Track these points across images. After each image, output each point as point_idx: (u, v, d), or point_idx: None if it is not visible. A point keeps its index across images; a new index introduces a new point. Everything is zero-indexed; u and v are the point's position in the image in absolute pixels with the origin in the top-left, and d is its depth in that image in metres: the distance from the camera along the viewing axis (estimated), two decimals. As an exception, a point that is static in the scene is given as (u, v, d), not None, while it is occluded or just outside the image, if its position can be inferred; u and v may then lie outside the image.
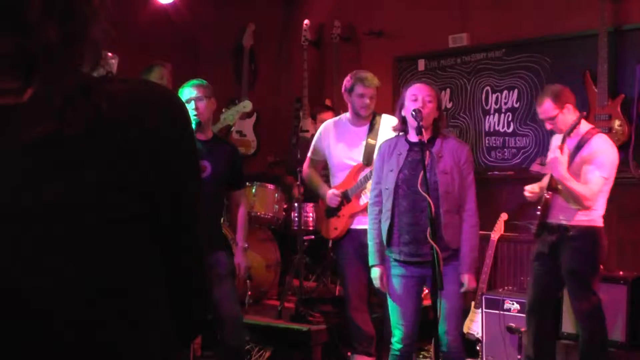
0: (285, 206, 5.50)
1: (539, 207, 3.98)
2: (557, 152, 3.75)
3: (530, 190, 4.02)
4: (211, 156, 3.72)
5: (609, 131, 4.73)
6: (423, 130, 3.38)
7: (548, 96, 3.89)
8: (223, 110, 4.41)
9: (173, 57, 5.01)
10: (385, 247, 3.58)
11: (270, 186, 5.42)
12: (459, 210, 3.48)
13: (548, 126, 3.97)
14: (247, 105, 4.30)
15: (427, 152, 3.41)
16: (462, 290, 3.46)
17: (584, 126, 3.89)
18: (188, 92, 3.76)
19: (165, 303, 1.00)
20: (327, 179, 4.56)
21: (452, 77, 5.82)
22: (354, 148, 4.28)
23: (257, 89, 6.83)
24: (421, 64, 6.02)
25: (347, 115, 4.40)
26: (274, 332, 4.67)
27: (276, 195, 5.41)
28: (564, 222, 3.86)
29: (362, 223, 4.23)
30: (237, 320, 3.86)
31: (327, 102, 6.35)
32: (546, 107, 3.89)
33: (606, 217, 4.84)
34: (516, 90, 5.44)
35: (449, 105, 5.83)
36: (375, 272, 3.64)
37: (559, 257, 3.87)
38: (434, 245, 3.16)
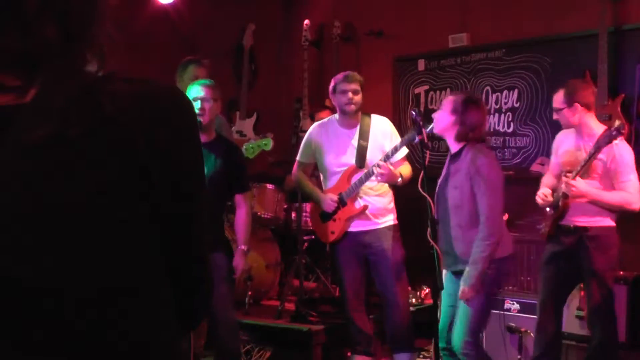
0: (285, 206, 5.50)
1: (548, 208, 3.99)
2: (572, 182, 3.76)
3: (544, 195, 4.00)
4: (210, 158, 3.71)
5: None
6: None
7: (564, 89, 3.96)
8: (245, 145, 4.46)
9: (173, 57, 5.00)
10: None
11: (270, 186, 5.41)
12: (473, 225, 3.48)
13: (555, 116, 4.00)
14: (268, 143, 4.38)
15: (428, 153, 3.43)
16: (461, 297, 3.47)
17: (598, 127, 3.87)
18: (196, 91, 3.74)
19: (167, 299, 1.01)
20: (317, 182, 4.55)
21: (452, 77, 5.82)
22: (344, 151, 4.24)
23: (257, 89, 6.83)
24: (421, 64, 6.03)
25: (335, 116, 4.37)
26: (274, 332, 4.67)
27: (276, 195, 5.40)
28: (582, 224, 3.86)
29: (359, 226, 4.23)
30: (232, 324, 3.84)
31: (327, 103, 6.35)
32: (557, 98, 3.96)
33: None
34: (516, 90, 5.44)
35: (449, 105, 5.83)
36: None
37: (578, 258, 3.89)
38: (434, 245, 3.16)
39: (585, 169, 3.77)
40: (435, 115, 3.73)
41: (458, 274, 3.53)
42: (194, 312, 1.10)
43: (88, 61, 0.94)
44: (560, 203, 3.89)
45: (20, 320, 0.86)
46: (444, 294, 3.58)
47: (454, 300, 3.59)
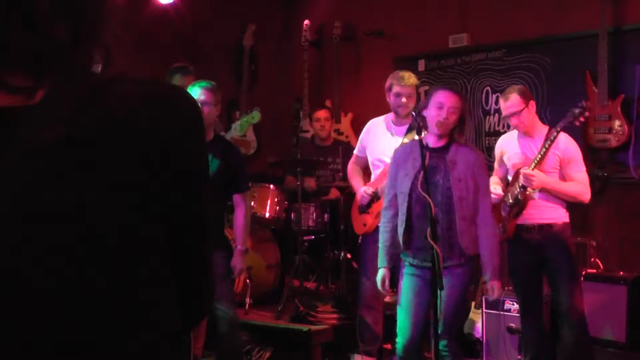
0: (285, 206, 5.50)
1: (506, 208, 4.02)
2: (531, 173, 3.82)
3: (495, 192, 4.00)
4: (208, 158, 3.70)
5: (609, 131, 4.75)
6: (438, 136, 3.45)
7: (515, 92, 3.99)
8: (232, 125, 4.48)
9: (173, 57, 5.00)
10: (398, 250, 3.55)
11: (270, 186, 5.41)
12: (474, 218, 3.45)
13: (513, 122, 4.01)
14: (255, 116, 4.40)
15: (427, 153, 3.41)
16: (491, 298, 3.43)
17: (542, 127, 4.01)
18: (196, 94, 3.74)
19: (169, 297, 1.01)
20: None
21: (452, 77, 5.82)
22: (388, 147, 4.27)
23: (257, 89, 6.83)
24: (421, 64, 6.02)
25: (392, 114, 4.42)
26: (274, 332, 4.67)
27: (276, 195, 5.40)
28: (546, 221, 3.93)
29: None
30: (232, 323, 3.84)
31: (327, 103, 6.35)
32: (513, 102, 3.96)
33: (606, 217, 4.85)
34: (516, 91, 5.44)
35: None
36: (381, 273, 3.57)
37: (545, 255, 3.93)
38: (434, 245, 3.16)
39: (540, 162, 3.84)
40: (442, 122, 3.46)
41: (445, 269, 3.41)
42: (195, 309, 1.11)
43: (95, 61, 0.95)
44: (520, 197, 3.92)
45: (24, 321, 0.86)
46: (413, 295, 3.51)
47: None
